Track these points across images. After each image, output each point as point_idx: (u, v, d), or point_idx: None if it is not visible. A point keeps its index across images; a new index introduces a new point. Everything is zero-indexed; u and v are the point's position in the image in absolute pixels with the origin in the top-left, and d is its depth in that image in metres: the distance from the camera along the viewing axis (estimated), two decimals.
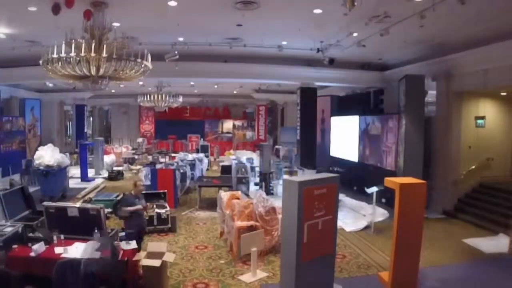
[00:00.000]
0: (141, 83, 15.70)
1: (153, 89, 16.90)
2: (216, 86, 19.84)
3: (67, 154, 14.33)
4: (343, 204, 10.73)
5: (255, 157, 17.41)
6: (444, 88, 10.59)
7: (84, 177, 15.20)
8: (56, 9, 6.79)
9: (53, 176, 11.06)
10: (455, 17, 7.65)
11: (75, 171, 15.56)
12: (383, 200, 10.39)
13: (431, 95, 11.27)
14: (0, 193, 7.05)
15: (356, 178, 12.90)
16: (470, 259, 7.13)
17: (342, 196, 11.12)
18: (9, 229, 5.91)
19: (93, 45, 6.44)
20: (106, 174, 16.07)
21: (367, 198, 10.37)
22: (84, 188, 13.24)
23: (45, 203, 6.57)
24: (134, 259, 5.40)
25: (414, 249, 5.47)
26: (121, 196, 9.22)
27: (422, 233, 5.61)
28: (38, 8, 7.48)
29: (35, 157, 11.70)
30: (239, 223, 7.13)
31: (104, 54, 6.52)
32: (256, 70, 13.02)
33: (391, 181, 5.61)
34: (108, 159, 17.71)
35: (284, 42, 10.73)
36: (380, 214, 9.62)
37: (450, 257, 7.22)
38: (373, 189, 8.87)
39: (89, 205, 6.60)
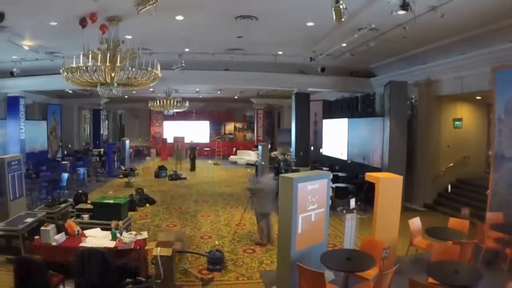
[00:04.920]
0: (151, 89, 15.72)
1: (162, 94, 16.92)
2: (219, 92, 19.85)
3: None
4: None
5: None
6: (424, 93, 10.62)
7: (110, 173, 15.64)
8: (83, 23, 6.91)
9: None
10: (434, 28, 7.69)
11: None
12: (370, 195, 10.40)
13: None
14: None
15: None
16: None
17: None
18: (30, 220, 6.01)
19: (108, 55, 6.48)
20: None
21: None
22: None
23: None
24: (145, 248, 5.43)
25: (392, 236, 5.52)
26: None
27: (399, 221, 5.66)
28: (59, 23, 7.53)
29: None
30: None
31: (118, 64, 6.56)
32: (255, 77, 13.06)
33: (372, 176, 5.64)
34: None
35: (280, 52, 10.76)
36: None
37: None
38: None
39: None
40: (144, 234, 5.65)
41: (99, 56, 6.43)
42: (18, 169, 8.01)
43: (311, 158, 14.21)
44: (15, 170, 7.89)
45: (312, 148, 15.15)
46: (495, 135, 7.22)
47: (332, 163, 14.13)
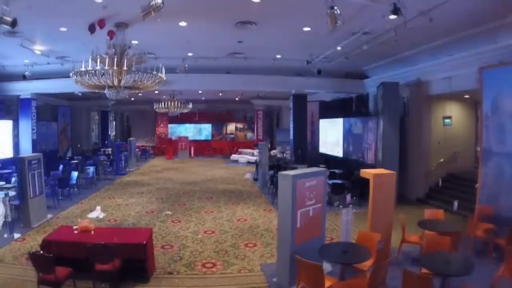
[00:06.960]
0: (156, 92, 15.67)
1: (167, 97, 16.90)
2: (220, 94, 19.82)
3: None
4: None
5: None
6: (415, 93, 10.60)
7: (118, 172, 15.50)
8: (92, 29, 6.91)
9: None
10: (423, 31, 7.66)
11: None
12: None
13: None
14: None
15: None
16: None
17: None
18: None
19: (115, 60, 6.47)
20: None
21: None
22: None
23: None
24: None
25: (386, 229, 5.51)
26: None
27: (393, 215, 5.64)
28: (68, 29, 7.51)
29: None
30: None
31: (125, 68, 6.55)
32: (255, 79, 13.05)
33: (366, 172, 5.62)
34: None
35: (278, 56, 10.74)
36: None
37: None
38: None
39: None
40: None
41: (107, 60, 6.42)
42: (38, 167, 7.95)
43: (308, 156, 14.20)
44: (34, 168, 7.83)
45: (309, 146, 15.14)
46: (483, 132, 7.23)
47: (328, 161, 14.12)
